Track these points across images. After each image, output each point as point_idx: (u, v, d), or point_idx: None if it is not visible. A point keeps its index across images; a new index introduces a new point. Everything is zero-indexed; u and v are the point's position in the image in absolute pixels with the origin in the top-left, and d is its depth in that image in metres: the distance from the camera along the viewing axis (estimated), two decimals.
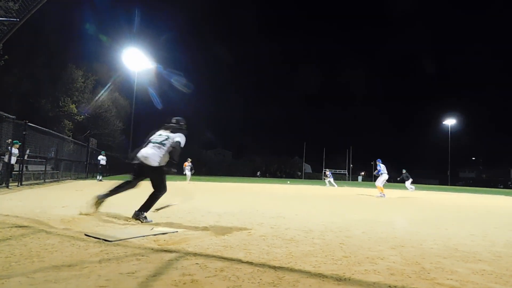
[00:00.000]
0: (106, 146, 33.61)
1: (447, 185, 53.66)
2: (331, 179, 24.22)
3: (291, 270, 2.38)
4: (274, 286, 2.02)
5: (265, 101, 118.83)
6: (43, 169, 13.66)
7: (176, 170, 4.44)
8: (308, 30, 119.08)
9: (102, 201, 4.52)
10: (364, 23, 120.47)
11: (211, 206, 6.44)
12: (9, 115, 10.07)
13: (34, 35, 25.08)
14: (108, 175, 24.71)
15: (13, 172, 10.83)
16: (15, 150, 10.30)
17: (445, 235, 4.17)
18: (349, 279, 2.21)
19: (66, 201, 6.46)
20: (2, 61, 20.78)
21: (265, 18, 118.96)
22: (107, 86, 35.16)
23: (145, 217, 4.30)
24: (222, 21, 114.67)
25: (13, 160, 10.28)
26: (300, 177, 66.08)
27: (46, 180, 13.43)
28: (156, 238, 3.30)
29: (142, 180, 4.49)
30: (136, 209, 4.36)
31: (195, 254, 2.69)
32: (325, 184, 24.31)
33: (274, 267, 2.41)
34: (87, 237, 3.21)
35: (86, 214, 4.62)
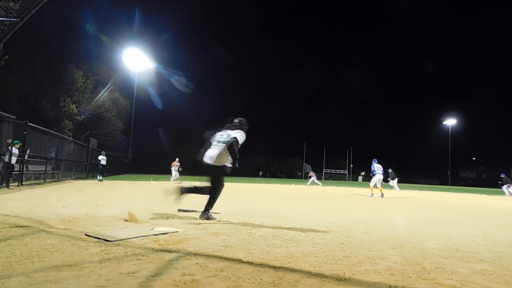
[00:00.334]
0: (107, 146, 33.65)
1: (448, 185, 53.68)
2: (314, 179, 25.18)
3: (292, 270, 2.37)
4: (274, 286, 2.02)
5: (265, 101, 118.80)
6: (44, 169, 13.67)
7: (237, 166, 4.57)
8: (308, 30, 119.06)
9: (182, 195, 4.71)
10: (364, 24, 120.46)
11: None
12: (10, 115, 10.08)
13: (34, 35, 25.11)
14: (108, 175, 24.71)
15: (14, 172, 10.84)
16: (15, 150, 10.31)
17: (445, 235, 4.17)
18: (350, 279, 2.21)
19: (67, 201, 6.47)
20: (3, 61, 20.80)
21: (266, 18, 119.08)
22: (107, 86, 35.22)
23: (211, 215, 4.61)
24: (222, 21, 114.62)
25: (14, 160, 10.29)
26: (300, 177, 66.09)
27: (47, 180, 13.44)
28: (156, 238, 3.30)
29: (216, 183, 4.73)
30: (202, 210, 4.67)
31: (195, 254, 2.69)
32: (315, 183, 24.96)
33: (275, 267, 2.41)
34: (88, 237, 3.22)
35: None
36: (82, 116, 32.25)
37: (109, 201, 6.87)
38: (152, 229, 3.75)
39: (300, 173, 70.83)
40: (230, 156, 4.52)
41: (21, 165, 11.14)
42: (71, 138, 20.15)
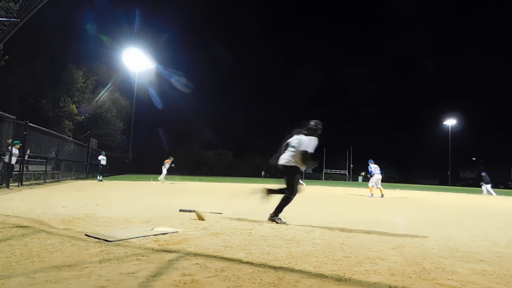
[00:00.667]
0: (107, 146, 33.65)
1: (448, 185, 53.66)
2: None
3: (292, 270, 2.37)
4: (274, 286, 2.02)
5: (265, 101, 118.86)
6: (44, 169, 13.67)
7: (316, 164, 4.78)
8: (308, 30, 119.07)
9: (268, 195, 4.81)
10: (365, 24, 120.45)
11: (211, 206, 6.44)
12: (10, 115, 10.08)
13: (34, 36, 25.13)
14: (109, 175, 24.71)
15: (14, 172, 10.84)
16: (15, 150, 10.31)
17: (445, 235, 4.17)
18: (350, 279, 2.21)
19: (67, 201, 6.47)
20: (3, 61, 20.80)
21: (266, 18, 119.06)
22: (107, 86, 35.21)
23: (280, 219, 4.62)
24: (222, 21, 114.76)
25: (14, 160, 10.29)
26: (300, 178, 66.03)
27: (47, 180, 13.44)
28: (156, 238, 3.30)
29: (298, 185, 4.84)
30: (271, 212, 4.71)
31: (195, 254, 2.69)
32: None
33: (275, 267, 2.41)
34: (88, 237, 3.22)
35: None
36: (82, 116, 32.25)
37: (109, 201, 6.87)
38: (152, 229, 3.75)
39: None
40: (302, 160, 4.66)
41: (21, 165, 11.14)
42: (71, 138, 20.15)
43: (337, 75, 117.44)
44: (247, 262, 2.52)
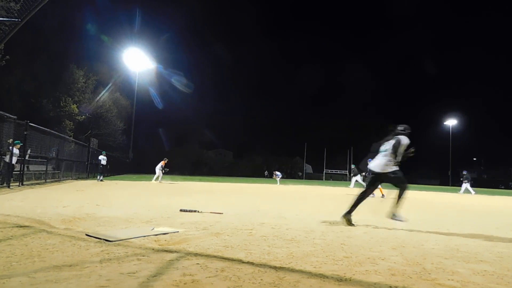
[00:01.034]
0: (107, 146, 33.65)
1: (448, 185, 53.61)
2: (278, 178, 25.79)
3: (292, 270, 2.37)
4: (275, 286, 2.02)
5: (266, 101, 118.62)
6: (44, 169, 13.68)
7: (412, 154, 4.87)
8: (308, 30, 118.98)
9: (350, 217, 4.78)
10: (365, 23, 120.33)
11: (212, 206, 6.44)
12: (11, 115, 10.09)
13: (35, 36, 25.16)
14: (109, 175, 24.73)
15: (14, 172, 10.85)
16: (16, 150, 10.32)
17: (446, 236, 4.16)
18: (350, 280, 2.21)
19: (67, 201, 6.47)
20: (4, 61, 20.84)
21: (266, 18, 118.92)
22: (108, 86, 35.24)
23: (399, 216, 4.83)
24: (222, 21, 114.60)
25: (14, 160, 10.30)
26: (301, 178, 66.08)
27: (47, 180, 13.45)
28: (157, 238, 3.30)
29: (376, 188, 5.18)
30: (392, 211, 4.86)
31: (195, 254, 2.69)
32: (276, 182, 25.47)
33: (275, 267, 2.41)
34: (88, 237, 3.22)
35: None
36: (83, 116, 32.29)
37: (109, 201, 6.87)
38: (153, 229, 3.75)
39: (300, 174, 70.80)
40: (393, 158, 4.76)
41: (22, 165, 11.15)
42: (71, 138, 20.17)
43: (337, 75, 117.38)
44: (248, 262, 2.52)
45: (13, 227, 3.58)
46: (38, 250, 2.63)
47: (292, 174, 70.46)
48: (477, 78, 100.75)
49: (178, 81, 51.46)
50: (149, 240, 3.18)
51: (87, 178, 20.07)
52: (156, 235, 3.43)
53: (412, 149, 4.85)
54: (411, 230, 4.51)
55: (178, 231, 3.68)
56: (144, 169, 39.19)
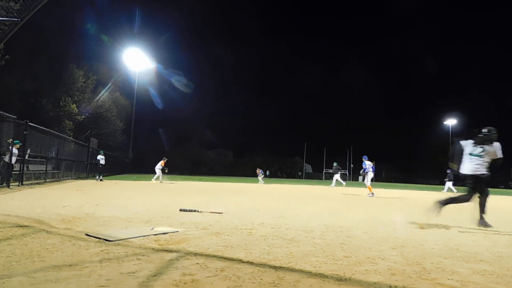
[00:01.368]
0: (107, 146, 33.64)
1: None
2: (261, 177, 24.93)
3: (292, 270, 2.37)
4: (274, 286, 2.02)
5: (266, 101, 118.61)
6: (44, 169, 13.68)
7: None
8: (309, 30, 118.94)
9: (485, 221, 4.92)
10: (365, 23, 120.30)
11: (211, 206, 6.44)
12: (10, 115, 10.08)
13: (35, 35, 25.13)
14: (109, 175, 24.71)
15: (14, 172, 10.85)
16: (15, 150, 10.31)
17: (446, 235, 4.17)
18: (350, 279, 2.21)
19: (67, 201, 6.47)
20: (3, 61, 20.82)
21: (266, 18, 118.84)
22: (107, 86, 35.21)
23: (486, 222, 4.89)
24: (222, 21, 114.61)
25: (14, 160, 10.29)
26: (301, 177, 66.11)
27: (47, 180, 13.45)
28: (156, 238, 3.30)
29: (476, 194, 5.00)
30: (478, 219, 4.96)
31: (195, 254, 2.69)
32: (258, 181, 24.73)
33: (275, 267, 2.41)
34: (88, 236, 3.22)
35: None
36: (83, 116, 32.28)
37: (109, 201, 6.87)
38: (153, 229, 3.75)
39: (300, 173, 70.82)
40: (488, 166, 4.85)
41: (22, 165, 11.14)
42: (71, 138, 20.16)
43: (337, 75, 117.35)
44: (248, 262, 2.52)
45: (12, 227, 3.58)
46: (38, 250, 2.63)
47: (292, 174, 70.49)
48: (477, 78, 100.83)
49: (178, 81, 51.47)
50: (149, 240, 3.18)
51: (87, 178, 20.07)
52: (156, 234, 3.43)
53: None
54: (411, 230, 4.52)
55: (178, 231, 3.68)
56: (144, 169, 39.20)
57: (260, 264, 2.47)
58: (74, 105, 30.60)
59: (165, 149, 52.36)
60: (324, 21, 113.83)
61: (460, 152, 5.04)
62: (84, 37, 36.36)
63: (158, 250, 2.77)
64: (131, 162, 40.58)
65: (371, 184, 13.01)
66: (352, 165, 69.75)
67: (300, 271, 2.35)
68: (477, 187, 4.83)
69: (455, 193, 19.97)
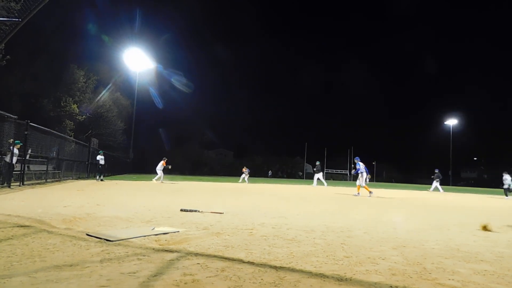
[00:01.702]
0: (108, 146, 33.68)
1: (449, 185, 53.55)
2: (245, 176, 24.10)
3: (292, 270, 2.37)
4: (275, 286, 2.02)
5: (266, 101, 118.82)
6: (45, 169, 13.70)
7: None
8: (310, 30, 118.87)
9: None
10: (366, 23, 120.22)
11: (212, 206, 6.44)
12: (11, 115, 10.10)
13: (35, 35, 25.14)
14: (110, 175, 24.72)
15: (15, 172, 10.86)
16: (16, 150, 10.32)
17: (446, 236, 4.16)
18: (351, 279, 2.21)
19: (68, 201, 6.48)
20: (4, 61, 20.84)
21: (266, 18, 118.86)
22: (108, 86, 35.25)
23: None
24: (223, 21, 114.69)
25: (14, 160, 10.31)
26: (301, 177, 66.08)
27: (48, 180, 13.46)
28: (157, 238, 3.30)
29: None
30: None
31: (196, 254, 2.69)
32: (244, 181, 23.95)
33: (276, 267, 2.41)
34: (89, 236, 3.22)
35: None
36: (83, 116, 32.31)
37: (110, 201, 6.88)
38: (153, 229, 3.75)
39: (301, 173, 70.81)
40: None
41: (23, 165, 11.16)
42: (72, 138, 20.18)
43: (338, 75, 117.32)
44: (248, 262, 2.52)
45: (13, 227, 3.59)
46: (39, 250, 2.63)
47: (292, 174, 70.49)
48: (478, 77, 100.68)
49: (179, 81, 51.56)
50: (150, 240, 3.19)
51: (87, 178, 20.09)
52: (156, 234, 3.43)
53: None
54: (411, 230, 4.51)
55: (178, 231, 3.68)
56: (144, 169, 39.26)
57: (261, 264, 2.47)
58: (75, 105, 30.63)
59: (166, 149, 52.44)
60: (324, 21, 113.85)
61: None
62: (85, 37, 36.38)
63: (158, 250, 2.77)
64: (131, 162, 40.61)
65: (367, 184, 13.08)
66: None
67: (301, 271, 2.35)
68: None
69: (442, 192, 20.10)
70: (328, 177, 67.29)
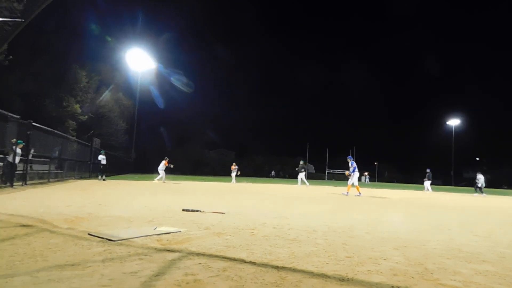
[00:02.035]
0: (110, 146, 33.74)
1: (451, 185, 53.39)
2: (233, 173, 23.35)
3: (294, 270, 2.37)
4: (276, 286, 2.02)
5: (268, 101, 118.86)
6: (47, 168, 13.74)
7: None
8: (310, 30, 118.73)
9: None
10: (366, 23, 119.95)
11: (214, 206, 6.45)
12: (14, 115, 10.14)
13: (37, 36, 25.24)
14: (111, 175, 24.77)
15: (17, 172, 10.91)
16: (18, 150, 10.37)
17: (448, 236, 4.15)
18: (352, 280, 2.21)
19: (70, 201, 6.50)
20: (7, 61, 20.92)
21: (266, 18, 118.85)
22: (110, 86, 35.31)
23: None
24: (224, 21, 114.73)
25: (17, 159, 10.35)
26: None
27: (50, 180, 13.52)
28: (159, 237, 3.31)
29: None
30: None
31: (198, 254, 2.69)
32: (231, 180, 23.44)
33: (277, 267, 2.41)
34: (91, 236, 3.23)
35: None
36: (86, 116, 32.39)
37: (112, 201, 6.89)
38: (155, 228, 3.76)
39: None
40: None
41: (25, 164, 11.20)
42: (74, 138, 20.25)
43: (339, 75, 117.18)
44: (250, 262, 2.52)
45: (16, 226, 3.60)
46: (41, 250, 2.65)
47: (293, 174, 70.42)
48: (479, 77, 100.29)
49: (180, 81, 51.60)
50: (151, 240, 3.19)
51: (89, 177, 20.14)
52: (158, 234, 3.44)
53: None
54: (413, 230, 4.50)
55: (180, 231, 3.69)
56: (146, 168, 39.31)
57: (262, 264, 2.47)
58: (77, 105, 30.72)
59: (167, 149, 52.53)
60: (324, 21, 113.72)
61: None
62: (87, 37, 36.48)
63: (160, 250, 2.78)
64: (133, 162, 40.70)
65: (350, 184, 13.14)
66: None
67: (302, 271, 2.35)
68: None
69: (431, 192, 20.13)
70: (329, 177, 67.26)
